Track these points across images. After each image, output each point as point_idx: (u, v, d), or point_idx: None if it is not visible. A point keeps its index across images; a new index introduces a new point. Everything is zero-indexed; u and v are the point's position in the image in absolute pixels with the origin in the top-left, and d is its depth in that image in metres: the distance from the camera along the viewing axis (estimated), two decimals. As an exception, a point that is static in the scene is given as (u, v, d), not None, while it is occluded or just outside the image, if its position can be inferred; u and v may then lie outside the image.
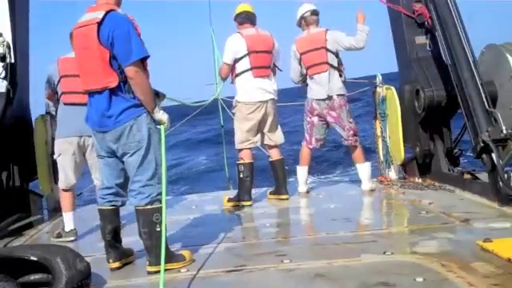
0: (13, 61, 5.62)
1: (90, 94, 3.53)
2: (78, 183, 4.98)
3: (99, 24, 3.33)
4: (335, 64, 5.88)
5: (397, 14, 6.33)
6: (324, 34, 5.86)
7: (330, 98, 5.84)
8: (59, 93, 4.86)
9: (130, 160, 3.48)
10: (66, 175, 4.80)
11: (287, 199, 5.87)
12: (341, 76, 5.93)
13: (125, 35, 3.32)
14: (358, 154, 6.00)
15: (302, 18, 6.04)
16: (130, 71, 3.32)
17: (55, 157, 4.88)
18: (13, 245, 4.48)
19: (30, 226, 5.41)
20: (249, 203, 5.68)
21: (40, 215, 5.96)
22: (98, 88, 3.43)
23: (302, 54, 5.95)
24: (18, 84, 5.72)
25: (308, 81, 6.02)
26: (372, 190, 5.98)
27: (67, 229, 4.80)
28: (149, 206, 3.46)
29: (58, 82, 4.83)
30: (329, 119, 5.94)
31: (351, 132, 5.88)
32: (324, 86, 5.84)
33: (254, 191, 5.93)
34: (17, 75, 5.69)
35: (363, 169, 6.00)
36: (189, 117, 8.97)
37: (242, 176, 5.72)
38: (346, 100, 5.96)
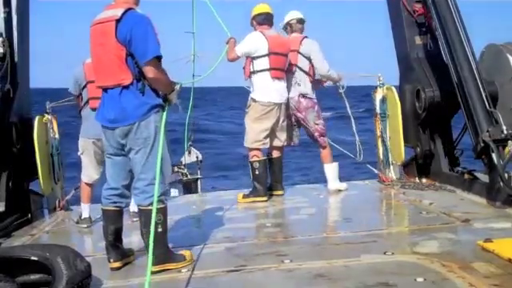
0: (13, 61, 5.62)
1: (104, 90, 3.54)
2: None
3: (117, 21, 3.36)
4: (305, 68, 6.06)
5: (397, 14, 6.33)
6: (300, 39, 6.10)
7: (297, 97, 6.02)
8: (85, 97, 5.18)
9: (136, 157, 3.48)
10: (88, 171, 5.29)
11: (282, 195, 6.00)
12: (311, 81, 6.12)
13: (143, 33, 3.35)
14: (325, 153, 6.18)
15: (288, 24, 6.25)
16: (148, 69, 3.35)
17: (79, 153, 5.37)
18: (13, 245, 4.47)
19: (30, 225, 5.41)
20: (265, 198, 5.79)
21: (40, 215, 5.96)
22: (111, 85, 3.45)
23: None
24: (19, 84, 5.71)
25: None
26: (340, 190, 6.07)
27: (83, 216, 5.26)
28: (151, 206, 3.44)
29: (85, 86, 5.16)
30: (298, 119, 6.14)
31: (317, 133, 6.08)
32: (292, 85, 6.03)
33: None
34: (17, 75, 5.68)
35: (330, 169, 6.14)
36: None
37: (257, 173, 5.85)
38: (315, 102, 6.13)
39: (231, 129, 27.01)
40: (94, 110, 4.88)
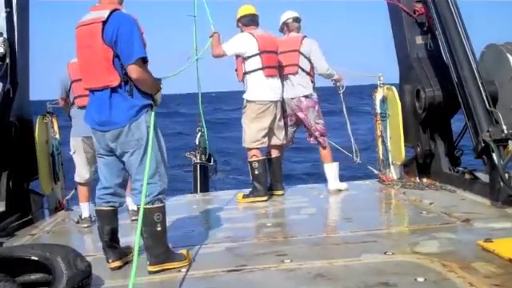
0: (13, 60, 5.62)
1: (92, 92, 3.54)
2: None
3: (104, 23, 3.34)
4: (306, 68, 6.04)
5: (397, 14, 6.33)
6: (301, 39, 6.07)
7: (298, 98, 6.01)
8: (72, 97, 5.22)
9: (131, 159, 3.47)
10: (80, 171, 5.32)
11: (282, 195, 6.00)
12: (312, 81, 6.12)
13: (128, 34, 3.34)
14: (325, 153, 6.19)
15: (285, 23, 6.24)
16: (132, 70, 3.33)
17: (71, 153, 5.38)
18: (13, 244, 4.47)
19: (30, 225, 5.40)
20: (265, 198, 5.80)
21: (40, 215, 5.96)
22: (99, 86, 3.43)
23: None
24: (19, 84, 5.71)
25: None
26: (340, 190, 6.07)
27: (83, 216, 5.29)
28: (149, 206, 3.44)
29: (70, 86, 5.19)
30: (297, 119, 6.14)
31: (317, 133, 6.07)
32: (293, 86, 6.02)
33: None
34: (17, 75, 5.68)
35: (330, 169, 6.15)
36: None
37: (256, 173, 5.85)
38: (315, 101, 6.11)
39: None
40: (81, 108, 4.93)
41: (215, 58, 5.87)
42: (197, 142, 7.98)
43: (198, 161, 7.74)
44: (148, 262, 3.52)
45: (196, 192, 7.31)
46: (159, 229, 3.47)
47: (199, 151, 7.84)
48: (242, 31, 5.89)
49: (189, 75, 7.44)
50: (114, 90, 3.40)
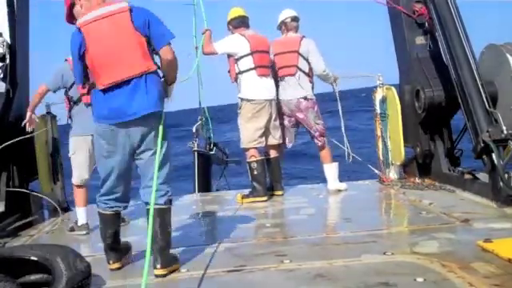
0: (13, 61, 5.62)
1: (120, 84, 3.34)
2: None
3: (130, 11, 3.35)
4: (305, 68, 6.06)
5: (397, 15, 6.34)
6: (299, 39, 6.09)
7: (297, 99, 6.03)
8: (75, 94, 4.97)
9: (152, 158, 3.41)
10: (80, 172, 5.01)
11: (282, 195, 6.02)
12: (310, 82, 6.14)
13: (157, 19, 3.40)
14: (325, 154, 6.21)
15: (283, 22, 6.25)
16: (167, 51, 3.36)
17: (70, 154, 5.09)
18: (13, 245, 4.47)
19: (30, 226, 5.40)
20: (265, 198, 5.81)
21: (40, 215, 5.96)
22: (136, 74, 3.32)
23: (274, 56, 6.14)
24: (18, 84, 5.71)
25: (279, 82, 6.18)
26: (339, 190, 6.09)
27: (79, 223, 4.96)
28: (165, 206, 3.44)
29: (73, 83, 4.87)
30: (297, 119, 6.16)
31: (317, 133, 6.10)
32: (292, 87, 6.03)
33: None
34: (17, 75, 5.68)
35: (329, 169, 6.17)
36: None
37: (255, 173, 5.87)
38: (314, 102, 6.13)
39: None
40: (89, 105, 4.68)
41: (206, 55, 5.92)
42: (194, 130, 7.97)
43: (196, 148, 7.71)
44: (158, 265, 3.39)
45: (194, 181, 7.30)
46: (169, 229, 3.48)
47: (196, 139, 7.83)
48: (232, 33, 5.94)
49: (192, 91, 7.46)
50: (148, 76, 3.36)
